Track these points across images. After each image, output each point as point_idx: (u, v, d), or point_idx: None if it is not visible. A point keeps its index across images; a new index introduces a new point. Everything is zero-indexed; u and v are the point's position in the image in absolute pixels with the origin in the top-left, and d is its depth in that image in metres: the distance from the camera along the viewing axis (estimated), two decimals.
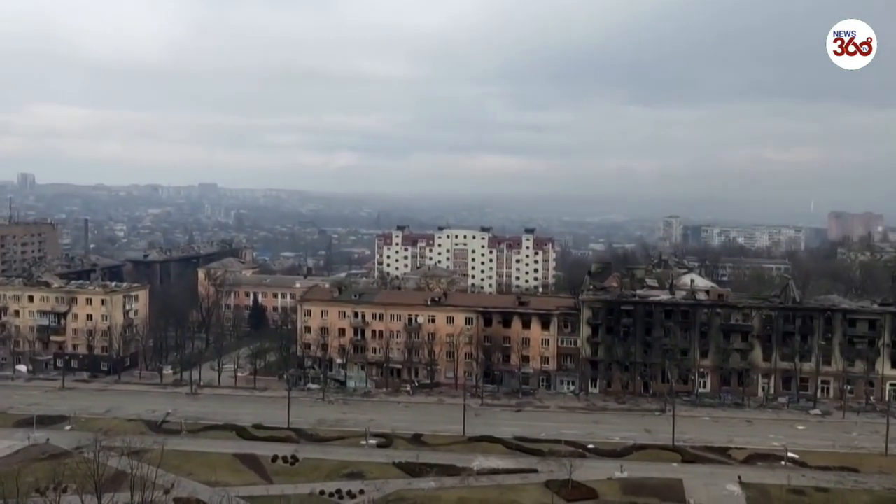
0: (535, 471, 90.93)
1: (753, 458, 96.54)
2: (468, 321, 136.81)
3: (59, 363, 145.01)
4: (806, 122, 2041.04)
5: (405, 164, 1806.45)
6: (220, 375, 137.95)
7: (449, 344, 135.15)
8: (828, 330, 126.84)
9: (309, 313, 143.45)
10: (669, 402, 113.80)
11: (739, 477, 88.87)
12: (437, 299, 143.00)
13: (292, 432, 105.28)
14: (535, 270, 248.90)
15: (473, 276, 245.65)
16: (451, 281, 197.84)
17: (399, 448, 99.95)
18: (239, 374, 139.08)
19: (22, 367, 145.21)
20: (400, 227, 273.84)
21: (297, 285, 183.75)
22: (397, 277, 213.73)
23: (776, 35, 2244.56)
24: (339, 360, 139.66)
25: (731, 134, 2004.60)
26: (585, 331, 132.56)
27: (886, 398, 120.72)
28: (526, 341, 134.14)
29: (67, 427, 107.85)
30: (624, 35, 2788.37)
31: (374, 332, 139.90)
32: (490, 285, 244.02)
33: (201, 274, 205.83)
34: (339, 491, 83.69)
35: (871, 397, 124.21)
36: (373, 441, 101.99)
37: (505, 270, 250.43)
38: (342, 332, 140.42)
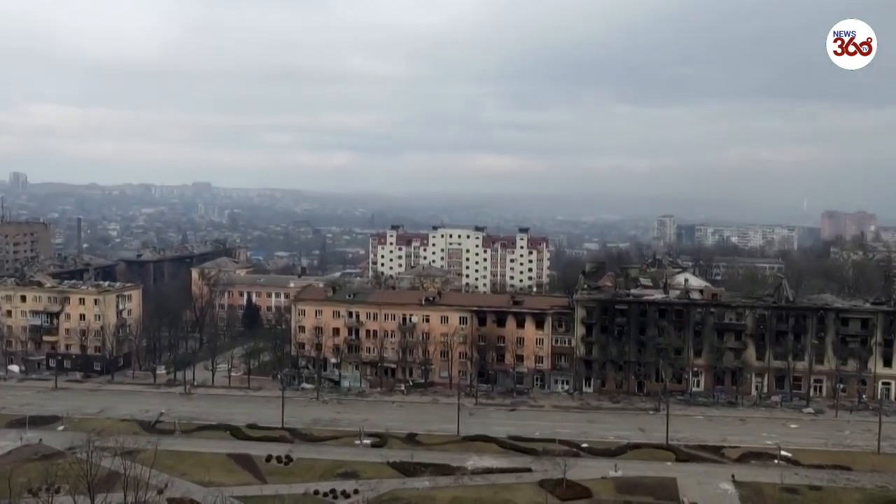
0: (529, 470, 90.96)
1: (747, 457, 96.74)
2: (462, 321, 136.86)
3: (52, 363, 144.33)
4: (800, 122, 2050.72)
5: (401, 164, 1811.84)
6: (213, 375, 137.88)
7: (443, 343, 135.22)
8: (821, 329, 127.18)
9: (303, 313, 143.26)
10: (663, 401, 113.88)
11: (733, 475, 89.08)
12: (431, 299, 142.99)
13: (286, 432, 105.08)
14: (530, 270, 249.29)
15: (468, 276, 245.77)
16: (445, 280, 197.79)
17: (393, 447, 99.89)
18: (233, 374, 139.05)
19: (14, 368, 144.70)
20: (394, 227, 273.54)
21: (292, 285, 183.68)
22: (391, 277, 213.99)
23: (773, 36, 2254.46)
24: (333, 360, 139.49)
25: (726, 133, 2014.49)
26: (580, 330, 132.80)
27: (879, 396, 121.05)
28: (520, 341, 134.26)
29: (60, 427, 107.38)
30: (622, 35, 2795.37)
31: (368, 331, 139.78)
32: (484, 285, 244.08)
33: (195, 273, 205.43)
34: (333, 491, 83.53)
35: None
36: (367, 441, 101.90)
37: (499, 270, 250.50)
38: (336, 331, 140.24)
